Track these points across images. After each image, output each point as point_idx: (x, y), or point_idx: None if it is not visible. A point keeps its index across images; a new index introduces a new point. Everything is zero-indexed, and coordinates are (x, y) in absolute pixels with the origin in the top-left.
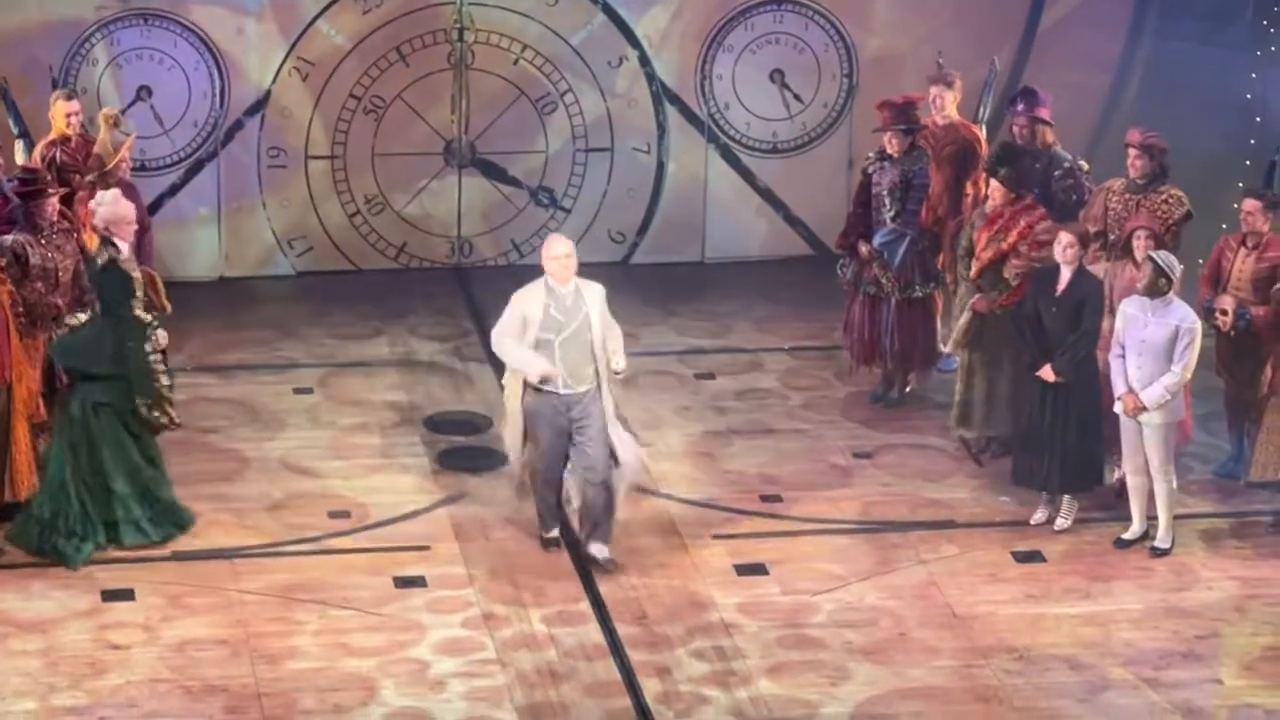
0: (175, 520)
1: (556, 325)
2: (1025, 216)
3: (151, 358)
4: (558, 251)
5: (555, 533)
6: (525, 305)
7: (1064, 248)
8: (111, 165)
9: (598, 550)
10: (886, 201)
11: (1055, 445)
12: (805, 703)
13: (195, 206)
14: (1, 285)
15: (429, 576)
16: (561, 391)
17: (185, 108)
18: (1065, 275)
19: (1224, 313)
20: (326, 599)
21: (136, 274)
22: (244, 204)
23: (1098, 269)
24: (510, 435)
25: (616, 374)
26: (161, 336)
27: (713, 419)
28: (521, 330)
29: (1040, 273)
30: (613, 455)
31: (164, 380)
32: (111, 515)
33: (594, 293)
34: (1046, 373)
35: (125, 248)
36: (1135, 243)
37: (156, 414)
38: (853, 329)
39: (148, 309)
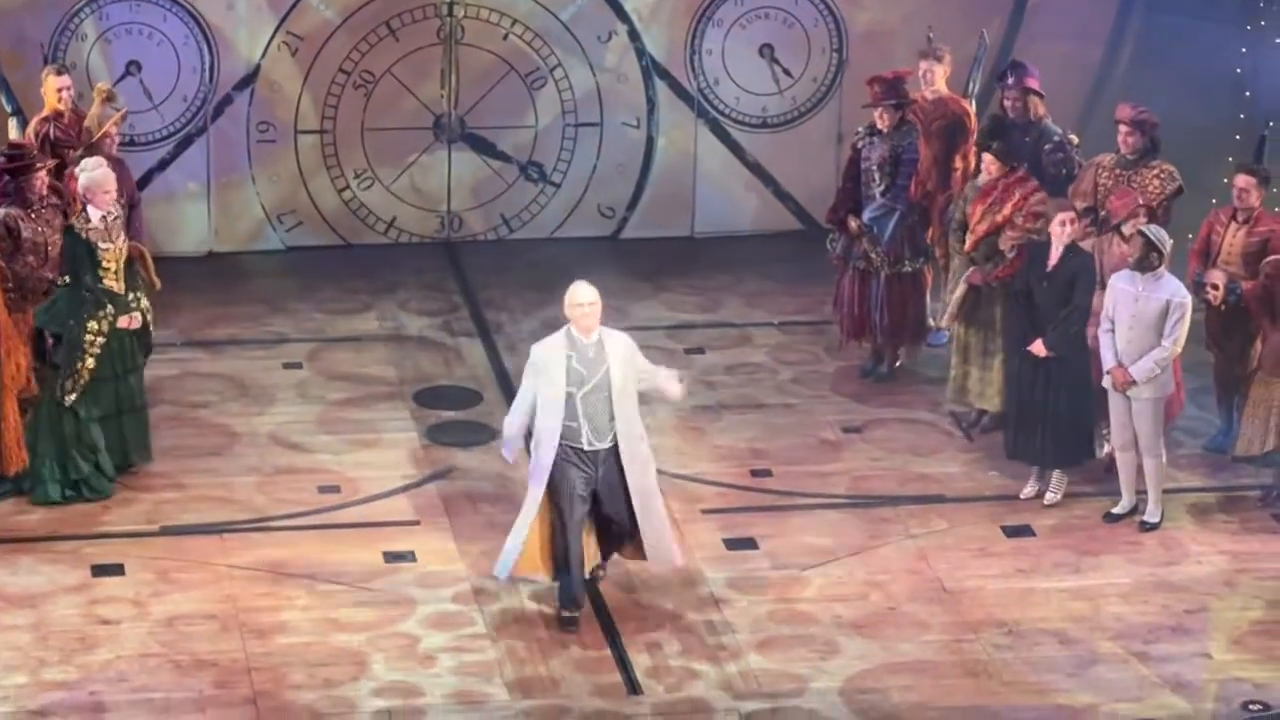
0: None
1: (579, 378)
2: (1019, 188)
3: (88, 337)
4: (581, 299)
5: (575, 613)
6: (545, 362)
7: (1061, 222)
8: (96, 139)
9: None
10: (876, 176)
11: (1047, 420)
12: (795, 677)
13: (184, 181)
14: None
15: (418, 551)
16: (585, 448)
17: (174, 83)
18: (1056, 251)
19: (1215, 287)
20: (316, 574)
21: (105, 245)
22: (233, 179)
23: (1087, 244)
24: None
25: (673, 399)
26: (128, 319)
27: (702, 394)
28: (532, 400)
29: (1033, 248)
30: (633, 525)
31: (86, 363)
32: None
33: (618, 344)
34: (1038, 347)
35: (97, 216)
36: (1129, 222)
37: (66, 384)
38: (842, 304)
39: (132, 286)
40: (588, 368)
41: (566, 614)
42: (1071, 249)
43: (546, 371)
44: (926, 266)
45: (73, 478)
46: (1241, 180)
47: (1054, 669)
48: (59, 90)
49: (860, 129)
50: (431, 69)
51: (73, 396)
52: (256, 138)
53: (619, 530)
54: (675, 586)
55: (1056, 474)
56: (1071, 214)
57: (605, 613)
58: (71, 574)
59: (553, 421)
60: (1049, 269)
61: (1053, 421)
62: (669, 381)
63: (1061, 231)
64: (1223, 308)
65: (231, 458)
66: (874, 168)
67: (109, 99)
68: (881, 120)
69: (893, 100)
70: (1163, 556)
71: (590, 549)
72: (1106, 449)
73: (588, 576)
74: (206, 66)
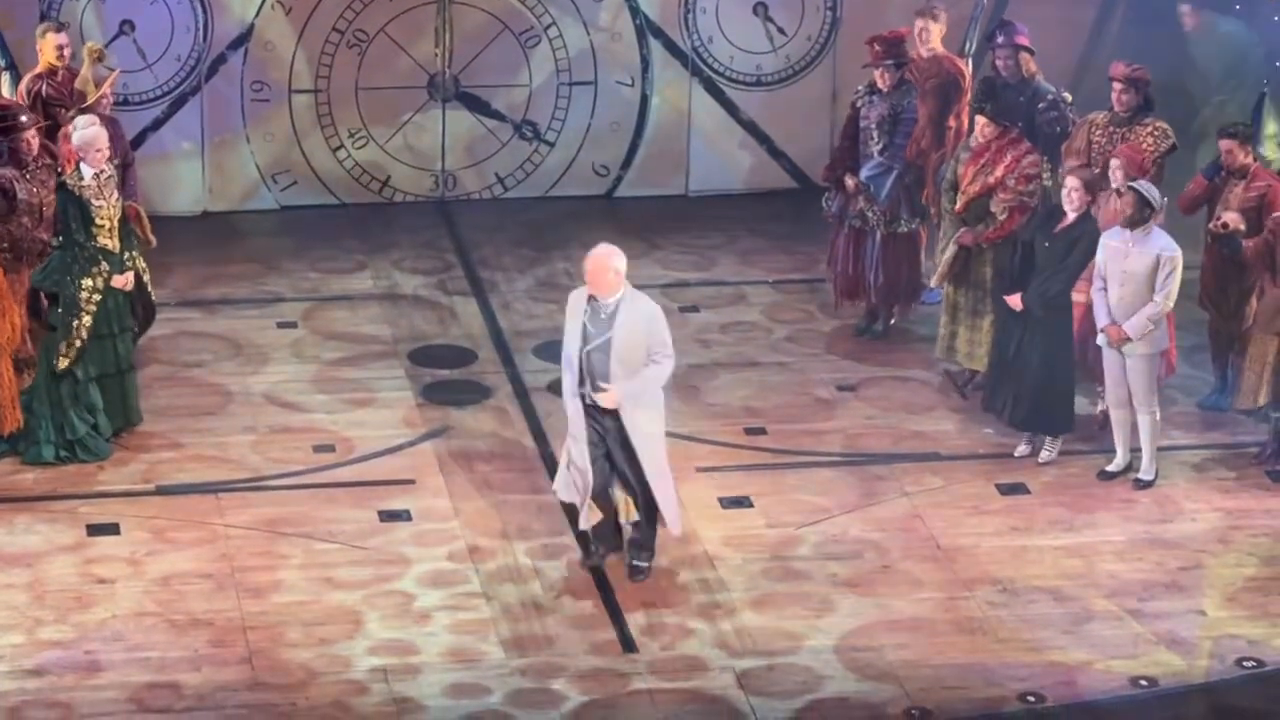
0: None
1: (587, 335)
2: (1012, 150)
3: (83, 294)
4: (586, 263)
5: (597, 561)
6: (568, 314)
7: (1068, 191)
8: (92, 100)
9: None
10: (874, 135)
11: (1020, 381)
12: (790, 634)
13: (179, 141)
14: None
15: (413, 510)
16: (587, 400)
17: (168, 42)
18: (1070, 217)
19: (1225, 226)
20: (311, 533)
21: (99, 203)
22: (227, 138)
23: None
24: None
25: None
26: (123, 278)
27: (697, 352)
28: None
29: (1048, 208)
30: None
31: (83, 320)
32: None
33: (634, 312)
34: (1014, 300)
35: (90, 174)
36: (1114, 174)
37: (62, 346)
38: (836, 262)
39: (128, 245)
40: (596, 327)
41: (586, 562)
42: (1084, 216)
43: (568, 324)
44: (922, 226)
45: (68, 438)
46: (1224, 144)
47: (1049, 626)
48: (58, 48)
49: (860, 88)
50: (425, 28)
51: (67, 360)
52: (251, 97)
53: (630, 488)
54: (670, 544)
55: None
56: (1078, 183)
57: (600, 571)
58: (67, 533)
59: (569, 374)
60: (1056, 230)
61: (1026, 384)
62: (629, 379)
63: (1069, 201)
64: (1221, 249)
65: (226, 417)
66: (872, 126)
67: (99, 59)
68: (881, 79)
69: (892, 60)
70: (1157, 514)
71: (624, 503)
72: (1101, 406)
73: (624, 522)
74: (200, 26)
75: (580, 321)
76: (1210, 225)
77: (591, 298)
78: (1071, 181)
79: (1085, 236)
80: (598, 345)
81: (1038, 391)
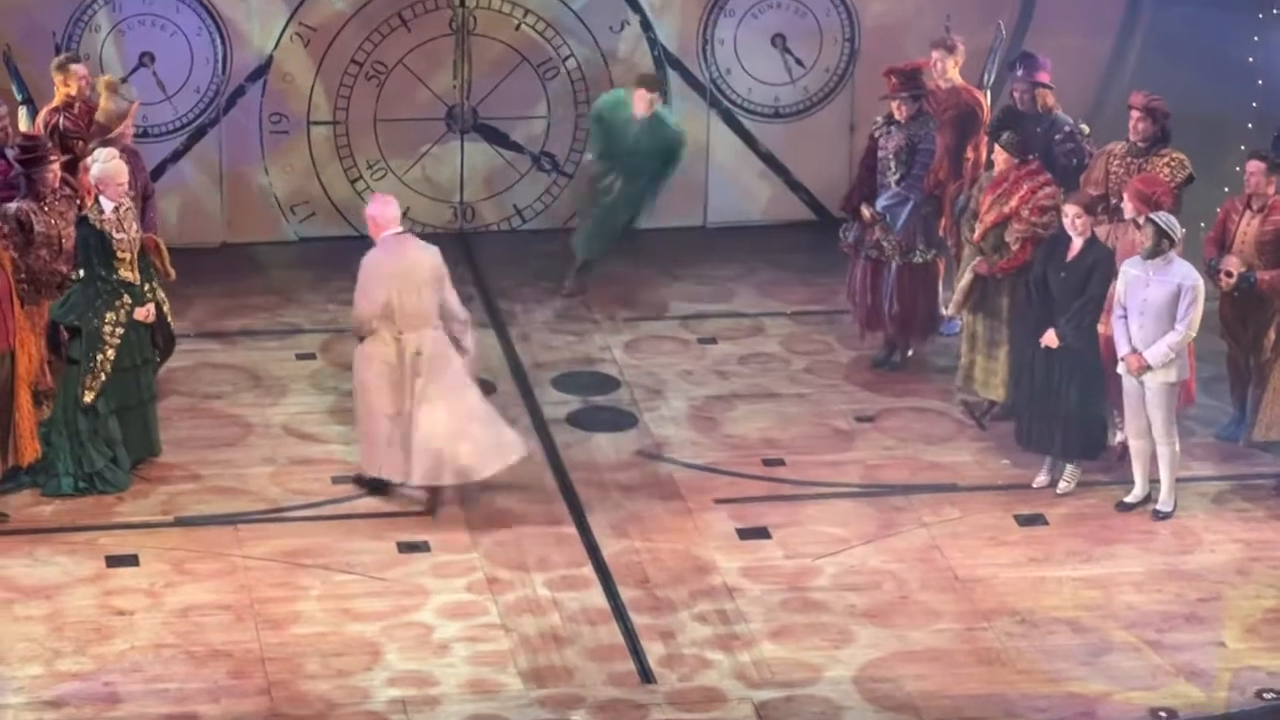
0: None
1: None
2: (1029, 181)
3: (106, 328)
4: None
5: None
6: None
7: (1071, 219)
8: (116, 133)
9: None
10: (891, 165)
11: (1059, 412)
12: (808, 666)
13: (198, 173)
14: (4, 252)
15: (432, 541)
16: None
17: (188, 74)
18: (1077, 242)
19: (1229, 274)
20: (330, 564)
21: (120, 235)
22: (246, 170)
23: (1100, 232)
24: None
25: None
26: (144, 310)
27: (715, 383)
28: None
29: (1052, 238)
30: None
31: (107, 354)
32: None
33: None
34: (1049, 338)
35: (109, 207)
36: (1127, 208)
37: (86, 379)
38: (855, 294)
39: (147, 277)
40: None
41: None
42: (1091, 241)
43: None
44: (939, 257)
45: (87, 471)
46: (1252, 166)
47: (1067, 658)
48: (82, 78)
49: (878, 119)
50: (444, 60)
51: (91, 394)
52: (269, 129)
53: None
54: (689, 575)
55: (1069, 463)
56: (1078, 209)
57: (619, 601)
58: (86, 565)
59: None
60: (1068, 260)
61: (1064, 414)
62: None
63: (1073, 227)
64: (1235, 294)
65: (245, 449)
66: (890, 157)
67: (115, 90)
68: (899, 110)
69: (910, 91)
70: (1176, 545)
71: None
72: (1119, 437)
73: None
74: (219, 58)
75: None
76: (1217, 281)
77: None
78: (1071, 209)
79: (1100, 262)
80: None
81: (1077, 422)
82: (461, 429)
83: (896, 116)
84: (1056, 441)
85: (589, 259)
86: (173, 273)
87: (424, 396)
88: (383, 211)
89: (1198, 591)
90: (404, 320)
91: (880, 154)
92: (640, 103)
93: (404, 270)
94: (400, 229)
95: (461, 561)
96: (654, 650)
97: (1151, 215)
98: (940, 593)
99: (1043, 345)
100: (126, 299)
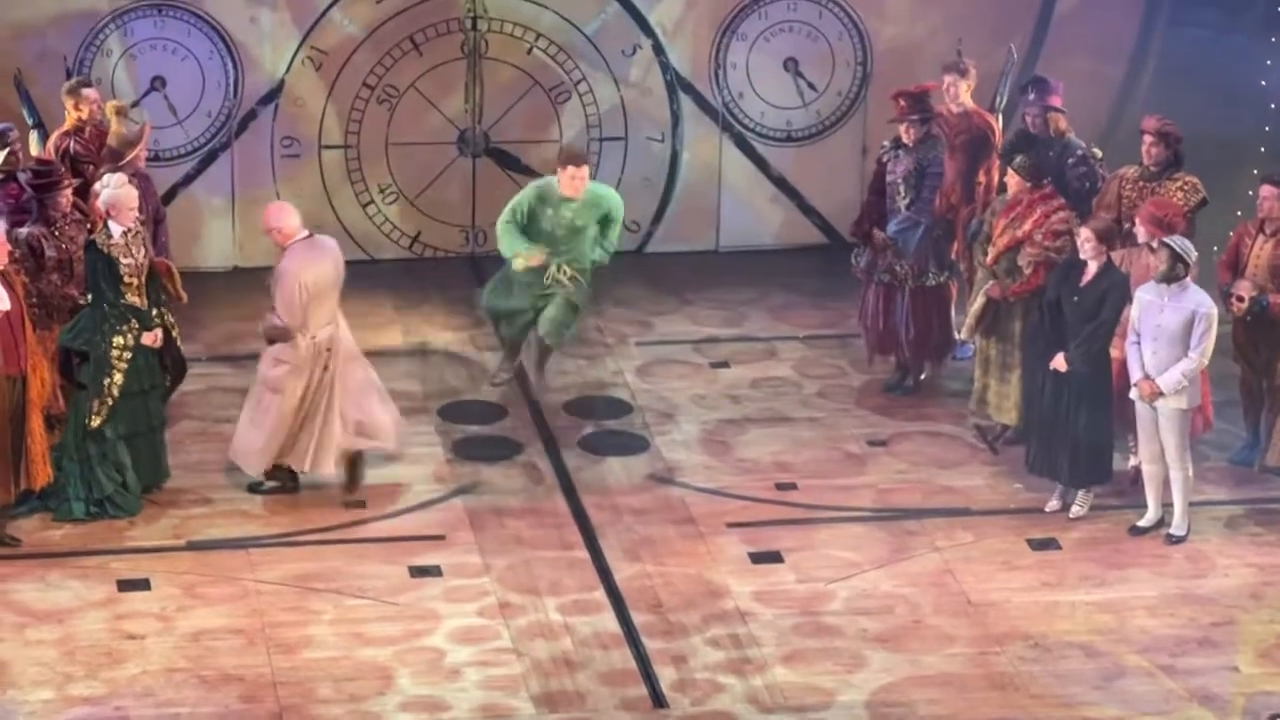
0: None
1: None
2: (1042, 205)
3: (114, 352)
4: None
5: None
6: None
7: (1083, 242)
8: (129, 157)
9: None
10: (901, 189)
11: (1066, 437)
12: (821, 690)
13: (209, 197)
14: (16, 277)
15: (444, 565)
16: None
17: (199, 98)
18: (1092, 268)
19: (1240, 299)
20: (342, 588)
21: (127, 260)
22: (258, 194)
23: (1114, 256)
24: None
25: None
26: (152, 335)
27: (728, 407)
28: None
29: (1066, 262)
30: None
31: (115, 379)
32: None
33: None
34: (1059, 362)
35: (119, 232)
36: (1139, 233)
37: (94, 404)
38: (867, 318)
39: (156, 302)
40: None
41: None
42: (1107, 266)
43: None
44: (951, 280)
45: (97, 496)
46: (1266, 190)
47: (1080, 682)
48: (93, 102)
49: (885, 143)
50: (456, 83)
51: (99, 419)
52: (281, 153)
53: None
54: (701, 600)
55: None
56: (1090, 233)
57: (631, 625)
58: (98, 589)
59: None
60: (1082, 284)
61: (1071, 440)
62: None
63: (1085, 251)
64: (1248, 319)
65: None
66: (899, 181)
67: (124, 114)
68: (906, 134)
69: (918, 115)
70: (1189, 569)
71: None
72: (1133, 461)
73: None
74: (231, 82)
75: None
76: (1230, 306)
77: None
78: (1084, 233)
79: (1114, 288)
80: None
81: (1085, 448)
82: (358, 403)
83: (905, 140)
84: (1064, 467)
85: (555, 347)
86: (185, 296)
87: (331, 387)
88: (285, 221)
89: (1211, 616)
90: (317, 322)
91: (889, 178)
92: (570, 183)
93: (321, 274)
94: (305, 231)
95: (473, 586)
96: (666, 675)
97: (1165, 239)
98: (953, 617)
99: (1051, 369)
100: (134, 324)
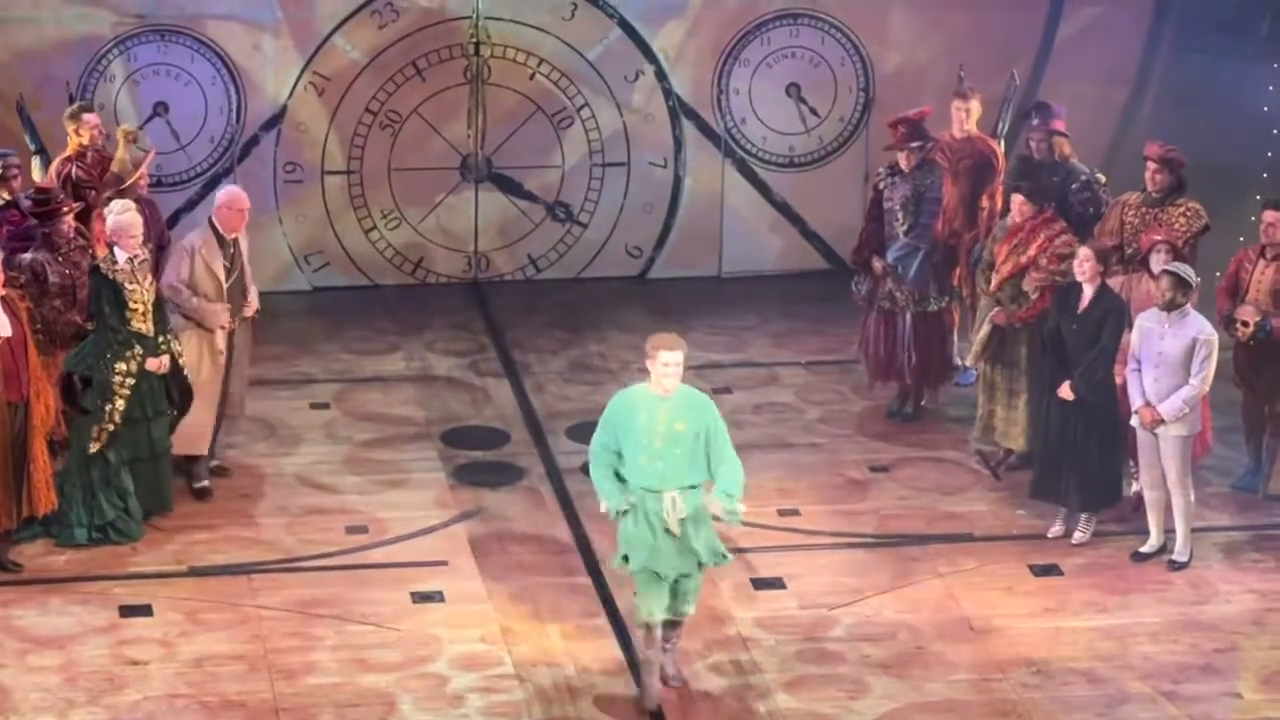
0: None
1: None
2: (1045, 230)
3: (116, 378)
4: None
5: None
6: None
7: (1080, 262)
8: (130, 182)
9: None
10: (899, 216)
11: (1075, 463)
12: (823, 717)
13: None
14: (20, 303)
15: (447, 591)
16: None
17: (202, 123)
18: (1088, 292)
19: (1244, 324)
20: (344, 614)
21: (133, 286)
22: (260, 219)
23: (1114, 283)
24: None
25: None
26: (157, 361)
27: (730, 433)
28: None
29: (1063, 289)
30: None
31: (117, 404)
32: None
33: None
34: (1065, 391)
35: (123, 258)
36: (1154, 256)
37: (94, 430)
38: (869, 344)
39: (161, 329)
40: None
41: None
42: (1103, 290)
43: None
44: (953, 305)
45: (99, 521)
46: (1269, 214)
47: (1083, 709)
48: (94, 127)
49: (881, 169)
50: (458, 109)
51: (98, 444)
52: (283, 178)
53: None
54: (703, 626)
55: (1085, 514)
56: (1088, 253)
57: (633, 652)
58: (100, 615)
59: None
60: (1080, 310)
61: (1081, 465)
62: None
63: (1082, 272)
64: (1251, 344)
65: (259, 498)
66: (897, 208)
67: (133, 140)
68: (904, 160)
69: (916, 142)
70: (1191, 595)
71: None
72: (1135, 487)
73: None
74: (233, 107)
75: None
76: (1233, 332)
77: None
78: (1082, 252)
79: (1111, 313)
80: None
81: (1095, 473)
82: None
83: (902, 166)
84: (1072, 493)
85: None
86: None
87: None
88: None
89: (1213, 642)
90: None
91: (886, 205)
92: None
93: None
94: None
95: (476, 612)
96: (669, 701)
97: (1168, 266)
98: (956, 643)
99: (1059, 397)
100: (138, 350)
